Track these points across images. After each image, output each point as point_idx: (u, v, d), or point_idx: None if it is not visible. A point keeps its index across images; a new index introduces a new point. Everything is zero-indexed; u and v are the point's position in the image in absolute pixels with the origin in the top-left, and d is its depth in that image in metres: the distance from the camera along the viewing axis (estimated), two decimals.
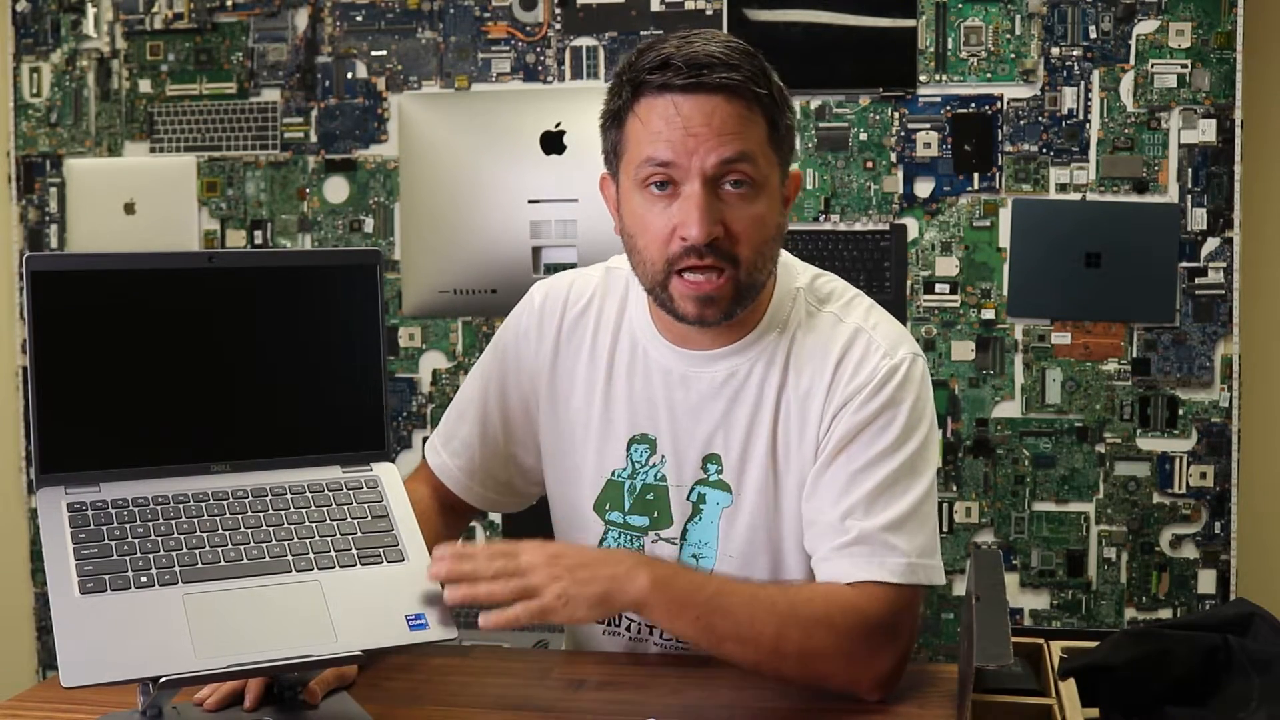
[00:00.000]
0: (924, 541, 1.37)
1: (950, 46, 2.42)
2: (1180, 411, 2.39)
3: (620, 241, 1.45)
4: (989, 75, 2.41)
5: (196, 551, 1.21)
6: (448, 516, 1.60)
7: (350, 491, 1.31)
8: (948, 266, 2.43)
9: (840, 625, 1.31)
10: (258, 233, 2.68)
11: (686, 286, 1.37)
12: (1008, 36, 2.40)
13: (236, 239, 2.69)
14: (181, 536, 1.22)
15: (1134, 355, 2.39)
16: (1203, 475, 2.38)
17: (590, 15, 2.53)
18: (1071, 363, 2.41)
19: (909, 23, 2.42)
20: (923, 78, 2.42)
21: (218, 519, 1.25)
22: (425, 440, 1.65)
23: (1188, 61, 2.35)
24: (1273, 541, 2.53)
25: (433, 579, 1.24)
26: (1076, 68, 2.38)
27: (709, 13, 2.47)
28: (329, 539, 1.26)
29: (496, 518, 2.55)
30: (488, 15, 2.57)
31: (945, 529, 2.44)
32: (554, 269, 2.50)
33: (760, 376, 1.45)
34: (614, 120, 1.41)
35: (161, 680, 1.11)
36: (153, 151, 2.70)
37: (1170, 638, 1.24)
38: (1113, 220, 2.37)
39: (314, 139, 2.64)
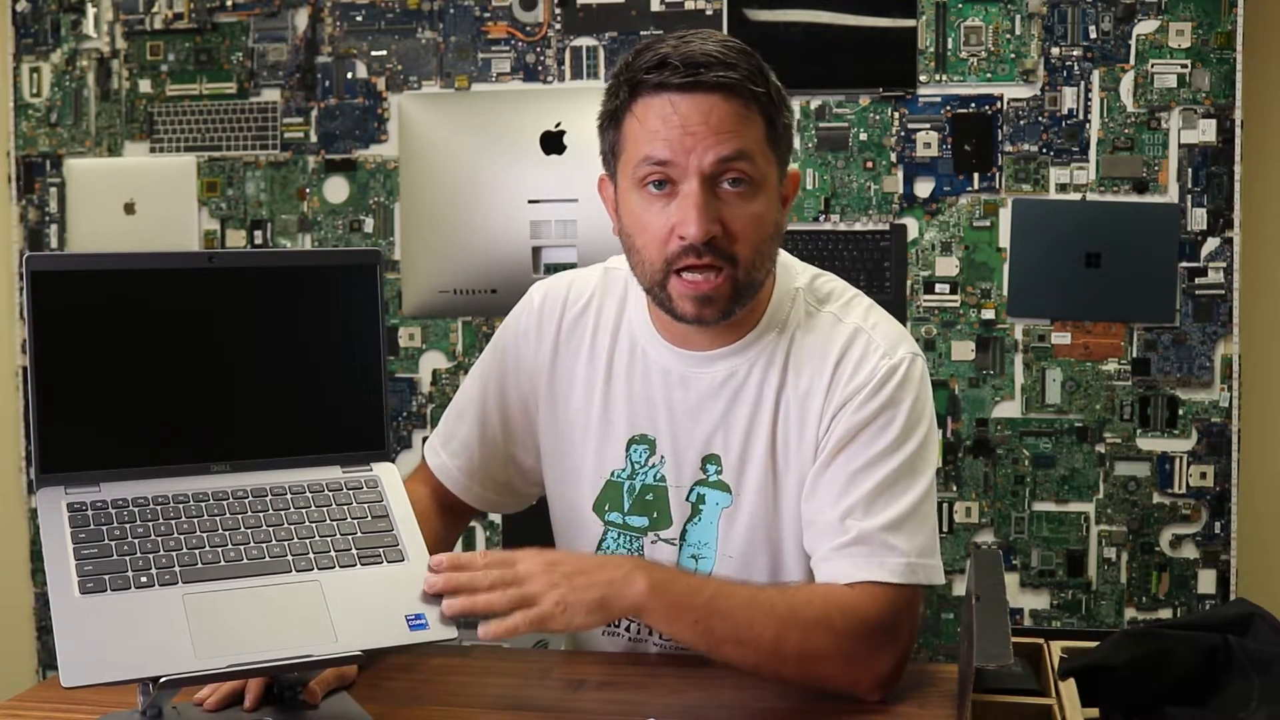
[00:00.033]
0: (923, 541, 1.37)
1: (950, 46, 2.42)
2: (1180, 411, 2.39)
3: (619, 242, 1.45)
4: (989, 75, 2.41)
5: (196, 551, 1.21)
6: (447, 517, 1.60)
7: (350, 491, 1.31)
8: (948, 266, 2.43)
9: (839, 626, 1.31)
10: (258, 233, 2.68)
11: (685, 286, 1.37)
12: (1008, 36, 2.40)
13: (236, 239, 2.69)
14: (181, 536, 1.22)
15: (1134, 355, 2.39)
16: (1203, 475, 2.38)
17: (590, 15, 2.53)
18: (1071, 363, 2.41)
19: (909, 23, 2.42)
20: (923, 78, 2.42)
21: (218, 519, 1.25)
22: (425, 440, 1.65)
23: (1188, 61, 2.35)
24: (1273, 541, 2.53)
25: (429, 590, 1.24)
26: (1076, 68, 2.38)
27: (709, 13, 2.47)
28: (329, 539, 1.26)
29: (496, 518, 2.55)
30: (488, 15, 2.57)
31: (945, 529, 2.44)
32: (554, 269, 2.50)
33: (759, 377, 1.45)
34: (611, 120, 1.41)
35: (161, 680, 1.11)
36: (153, 151, 2.70)
37: (1170, 638, 1.24)
38: (1113, 220, 2.37)
39: (314, 139, 2.64)
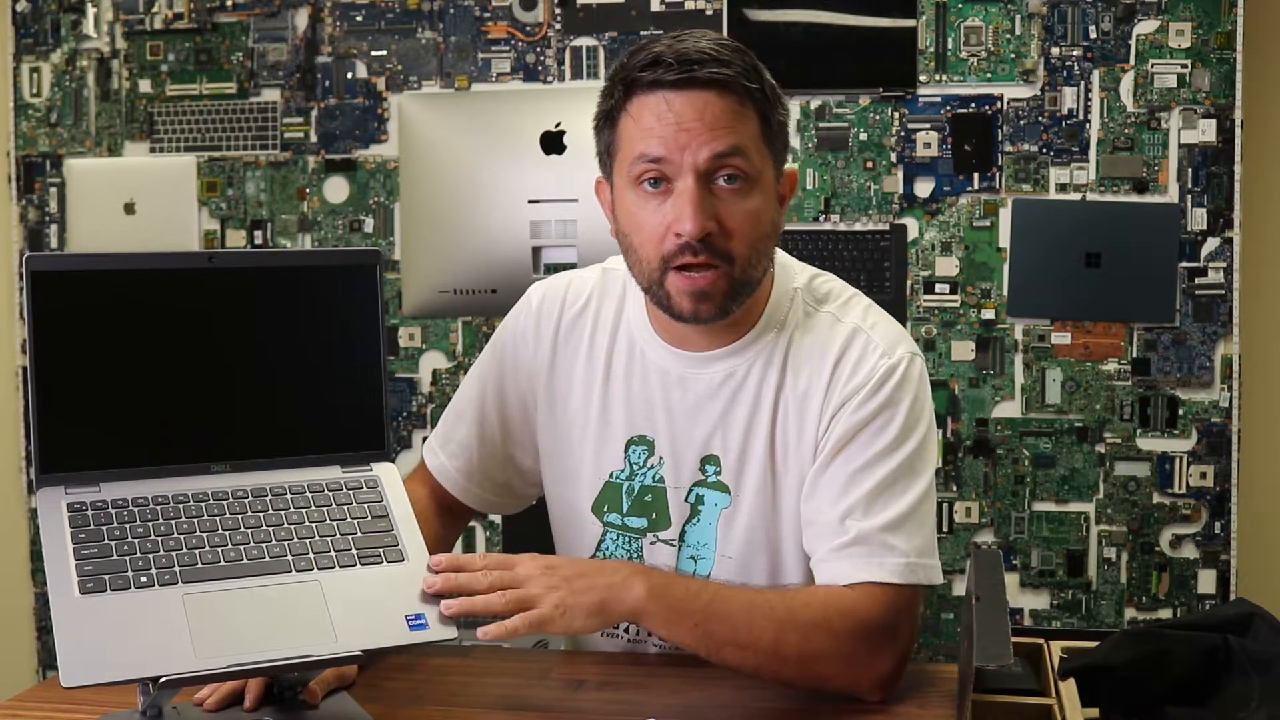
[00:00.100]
0: (923, 541, 1.37)
1: (950, 46, 2.42)
2: (1180, 411, 2.39)
3: (617, 243, 1.45)
4: (989, 75, 2.41)
5: (196, 551, 1.21)
6: (445, 518, 1.59)
7: (350, 491, 1.31)
8: (948, 266, 2.43)
9: (839, 627, 1.31)
10: (258, 233, 2.68)
11: (682, 281, 1.36)
12: (1008, 36, 2.40)
13: (236, 239, 2.69)
14: (181, 536, 1.22)
15: (1134, 355, 2.39)
16: (1203, 475, 2.38)
17: (590, 15, 2.53)
18: (1071, 363, 2.41)
19: (909, 23, 2.42)
20: (923, 78, 2.42)
21: (218, 519, 1.25)
22: (425, 440, 1.65)
23: (1188, 61, 2.35)
24: (1273, 541, 2.53)
25: (429, 590, 1.24)
26: (1076, 68, 2.38)
27: (709, 13, 2.47)
28: (329, 539, 1.26)
29: (496, 519, 2.55)
30: (488, 15, 2.56)
31: (945, 529, 2.44)
32: (554, 269, 2.50)
33: (758, 377, 1.45)
34: (607, 120, 1.41)
35: (161, 680, 1.12)
36: (153, 151, 2.70)
37: (1170, 638, 1.24)
38: (1113, 220, 2.37)
39: (314, 139, 2.64)
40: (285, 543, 1.25)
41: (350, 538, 1.27)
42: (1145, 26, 2.36)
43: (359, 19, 2.61)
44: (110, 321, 1.26)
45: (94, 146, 2.72)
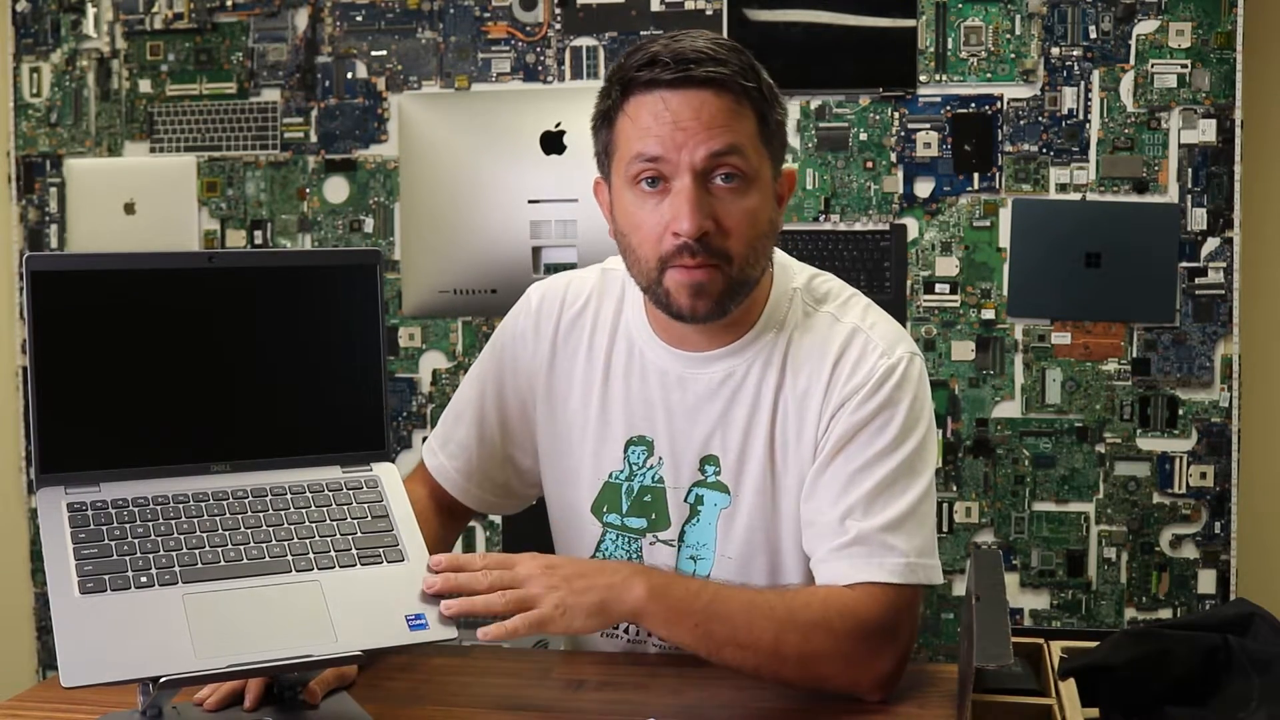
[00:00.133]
0: (922, 541, 1.37)
1: (950, 46, 2.42)
2: (1180, 411, 2.39)
3: (616, 243, 1.45)
4: (989, 75, 2.41)
5: (196, 551, 1.21)
6: (445, 518, 1.59)
7: (350, 491, 1.31)
8: (948, 266, 2.43)
9: (839, 628, 1.31)
10: (258, 233, 2.68)
11: (680, 274, 1.36)
12: (1008, 36, 2.40)
13: (236, 239, 2.69)
14: (181, 536, 1.22)
15: (1134, 355, 2.39)
16: (1203, 475, 2.38)
17: (590, 15, 2.53)
18: (1071, 363, 2.41)
19: (909, 23, 2.42)
20: (923, 78, 2.42)
21: (218, 519, 1.25)
22: (425, 440, 1.65)
23: (1188, 61, 2.35)
24: (1273, 541, 2.53)
25: (428, 591, 1.24)
26: (1076, 68, 2.38)
27: (709, 13, 2.47)
28: (329, 539, 1.26)
29: (496, 519, 2.55)
30: (488, 15, 2.56)
31: (945, 529, 2.44)
32: (554, 269, 2.50)
33: (757, 377, 1.44)
34: (604, 120, 1.41)
35: (161, 680, 1.12)
36: (153, 151, 2.70)
37: (1170, 638, 1.24)
38: (1113, 220, 2.37)
39: (314, 139, 2.64)
40: (285, 543, 1.25)
41: (350, 538, 1.27)
42: (1145, 26, 2.36)
43: (359, 19, 2.61)
44: (110, 321, 1.26)
45: (94, 146, 2.72)
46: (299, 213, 2.65)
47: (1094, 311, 2.39)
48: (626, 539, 1.51)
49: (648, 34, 2.46)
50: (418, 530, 1.30)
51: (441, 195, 2.56)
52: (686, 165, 1.34)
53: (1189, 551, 2.40)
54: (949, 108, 2.42)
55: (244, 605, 1.19)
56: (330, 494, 1.30)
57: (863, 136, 2.45)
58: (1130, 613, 2.42)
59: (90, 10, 2.70)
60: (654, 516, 1.49)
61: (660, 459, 1.48)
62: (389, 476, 1.34)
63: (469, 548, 2.58)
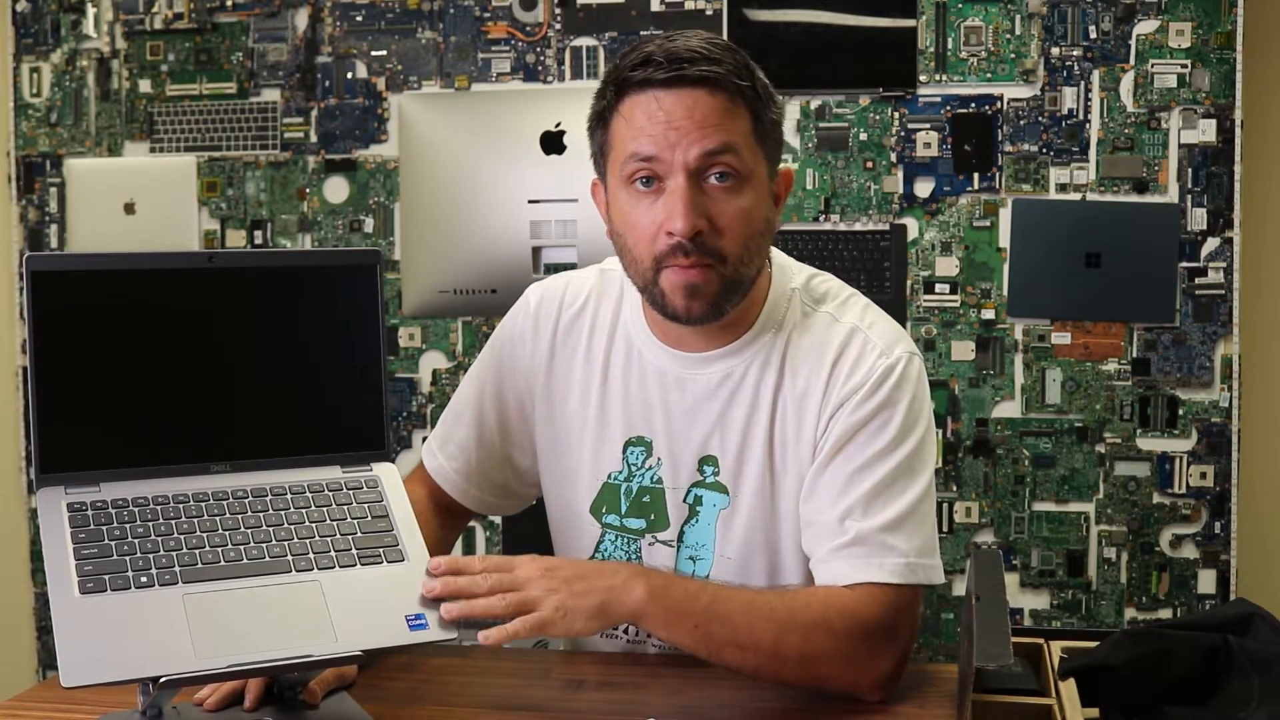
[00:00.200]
0: (922, 541, 1.37)
1: (950, 46, 2.42)
2: (1180, 411, 2.39)
3: (613, 244, 1.45)
4: (989, 75, 2.41)
5: (196, 551, 1.22)
6: (444, 519, 1.59)
7: (350, 491, 1.31)
8: (948, 266, 2.43)
9: (839, 628, 1.31)
10: (258, 233, 2.68)
11: (675, 274, 1.36)
12: (1008, 36, 2.40)
13: (236, 239, 2.69)
14: (181, 536, 1.22)
15: (1134, 355, 2.39)
16: (1203, 475, 2.38)
17: (590, 15, 2.53)
18: (1071, 363, 2.41)
19: (909, 23, 2.42)
20: (923, 78, 2.42)
21: (218, 519, 1.25)
22: (425, 440, 1.65)
23: (1188, 61, 2.35)
24: (1273, 541, 2.53)
25: (428, 595, 1.24)
26: (1076, 68, 2.38)
27: (709, 13, 2.47)
28: (329, 539, 1.26)
29: (496, 519, 2.55)
30: (488, 15, 2.56)
31: (945, 529, 2.44)
32: (554, 269, 2.50)
33: (756, 377, 1.44)
34: (599, 121, 1.42)
35: (161, 680, 1.12)
36: (153, 151, 2.70)
37: (1170, 638, 1.24)
38: (1113, 220, 2.37)
39: (314, 139, 2.64)
40: (285, 543, 1.25)
41: (350, 538, 1.27)
42: (1145, 26, 2.36)
43: (359, 19, 2.61)
44: (110, 321, 1.26)
45: (94, 146, 2.72)
46: (299, 213, 2.65)
47: (1094, 311, 2.39)
48: (625, 539, 1.51)
49: (647, 34, 2.46)
50: (418, 530, 1.30)
51: (441, 195, 2.56)
52: (680, 165, 1.34)
53: (1189, 551, 2.40)
54: (949, 108, 2.42)
55: (244, 605, 1.19)
56: (330, 494, 1.30)
57: (863, 136, 2.45)
58: (1130, 613, 2.42)
59: (90, 10, 2.70)
60: (653, 517, 1.49)
61: (659, 459, 1.48)
62: (389, 476, 1.34)
63: (469, 548, 2.58)
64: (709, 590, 1.33)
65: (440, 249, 2.57)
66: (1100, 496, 2.41)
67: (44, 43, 2.72)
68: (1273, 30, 2.48)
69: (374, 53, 2.61)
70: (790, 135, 2.44)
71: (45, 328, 1.23)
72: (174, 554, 1.21)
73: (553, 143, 2.52)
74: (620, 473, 1.50)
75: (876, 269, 2.44)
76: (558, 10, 2.53)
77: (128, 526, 1.22)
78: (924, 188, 2.44)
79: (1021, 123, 2.40)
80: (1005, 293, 2.42)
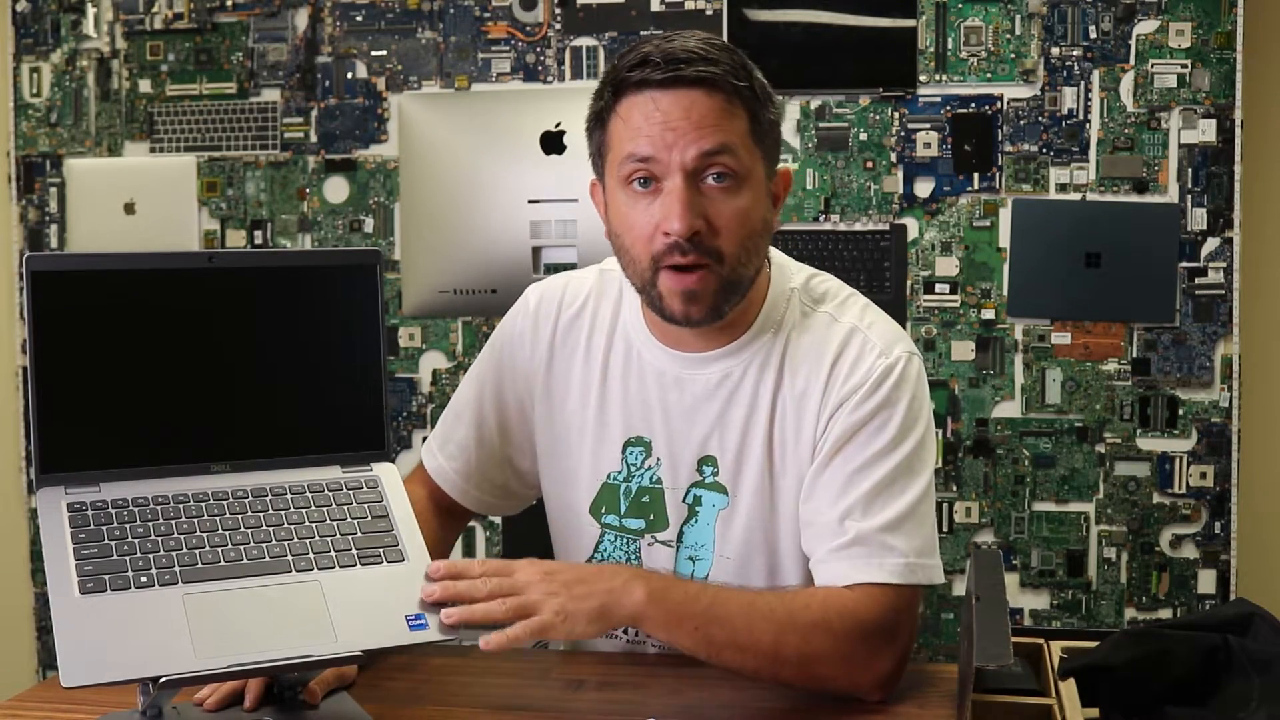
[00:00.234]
0: (922, 541, 1.37)
1: (950, 46, 2.42)
2: (1180, 411, 2.39)
3: (611, 244, 1.45)
4: (989, 75, 2.41)
5: (196, 551, 1.21)
6: (444, 519, 1.59)
7: (350, 491, 1.31)
8: (948, 266, 2.43)
9: (838, 629, 1.31)
10: (258, 233, 2.68)
11: (672, 281, 1.36)
12: (1008, 36, 2.40)
13: (236, 239, 2.69)
14: (181, 536, 1.22)
15: (1134, 355, 2.39)
16: (1203, 475, 2.38)
17: (590, 15, 2.53)
18: (1071, 363, 2.41)
19: (909, 23, 2.42)
20: (923, 78, 2.42)
21: (218, 519, 1.25)
22: (424, 440, 1.65)
23: (1188, 61, 2.35)
24: (1273, 541, 2.53)
25: (428, 600, 1.24)
26: (1076, 68, 2.38)
27: (709, 13, 2.47)
28: (329, 539, 1.26)
29: (496, 520, 2.55)
30: (488, 15, 2.57)
31: (945, 529, 2.44)
32: (554, 269, 2.50)
33: (755, 378, 1.44)
34: (597, 122, 1.42)
35: (161, 680, 1.12)
36: (153, 151, 2.70)
37: (1170, 638, 1.24)
38: (1113, 220, 2.37)
39: (314, 139, 2.64)
40: (285, 543, 1.25)
41: (350, 538, 1.27)
42: (1145, 26, 2.36)
43: (359, 19, 2.61)
44: (110, 321, 1.26)
45: (94, 146, 2.72)
46: (299, 213, 2.66)
47: (1094, 311, 2.39)
48: (625, 540, 1.51)
49: (647, 34, 2.46)
50: (418, 530, 1.30)
51: (441, 195, 2.56)
52: (677, 165, 1.34)
53: (1189, 551, 2.40)
54: (949, 108, 2.42)
55: (244, 605, 1.19)
56: (330, 494, 1.30)
57: (863, 136, 2.45)
58: (1130, 613, 2.42)
59: (90, 10, 2.70)
60: (652, 517, 1.49)
61: (658, 460, 1.48)
62: (389, 476, 1.34)
63: (469, 549, 2.58)
64: (709, 592, 1.33)
65: (440, 249, 2.57)
66: (1100, 496, 2.41)
67: (44, 43, 2.72)
68: (1273, 30, 2.48)
69: (374, 53, 2.61)
70: (790, 135, 2.44)
71: (45, 328, 1.22)
72: (174, 554, 1.21)
73: (553, 143, 2.52)
74: (619, 473, 1.50)
75: (876, 269, 2.44)
76: (558, 10, 2.53)
77: (128, 526, 1.21)
78: (924, 188, 2.44)
79: (1021, 123, 2.40)
80: (1005, 293, 2.42)
